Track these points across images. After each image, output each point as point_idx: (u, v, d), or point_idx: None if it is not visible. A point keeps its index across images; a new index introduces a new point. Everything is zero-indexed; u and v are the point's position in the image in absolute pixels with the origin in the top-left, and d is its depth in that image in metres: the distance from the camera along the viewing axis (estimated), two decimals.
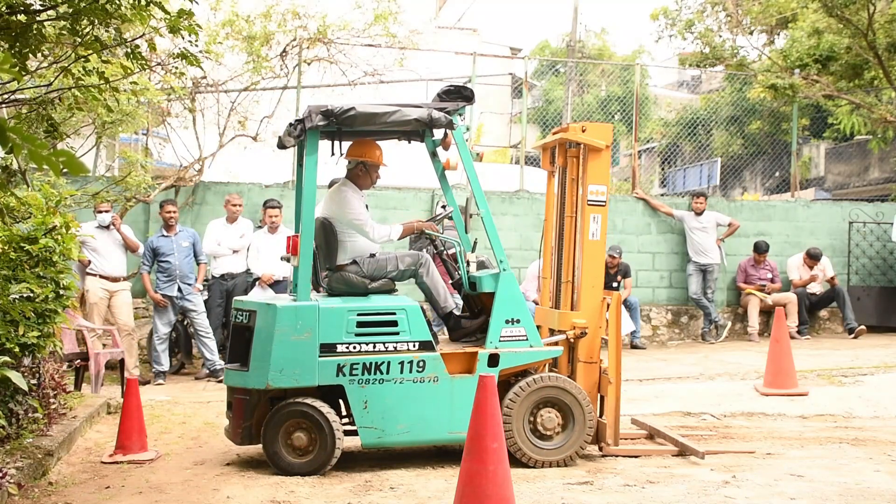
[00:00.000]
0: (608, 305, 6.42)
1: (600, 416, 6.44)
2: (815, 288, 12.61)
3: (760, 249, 12.57)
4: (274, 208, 10.53)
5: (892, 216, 13.12)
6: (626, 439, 6.76)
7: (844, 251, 13.30)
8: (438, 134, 6.55)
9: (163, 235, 10.12)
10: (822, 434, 7.11)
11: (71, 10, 5.19)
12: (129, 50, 5.67)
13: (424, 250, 6.86)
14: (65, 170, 2.62)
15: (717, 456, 6.32)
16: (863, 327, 12.24)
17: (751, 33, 18.26)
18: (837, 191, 20.03)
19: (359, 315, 6.00)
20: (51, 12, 5.28)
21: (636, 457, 6.40)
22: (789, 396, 8.30)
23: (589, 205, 6.42)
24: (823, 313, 13.21)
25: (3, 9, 4.87)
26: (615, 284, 11.67)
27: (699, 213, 12.47)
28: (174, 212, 10.18)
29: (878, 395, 8.36)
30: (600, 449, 6.39)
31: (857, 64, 14.98)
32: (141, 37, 6.46)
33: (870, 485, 5.53)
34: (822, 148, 21.63)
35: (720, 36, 17.84)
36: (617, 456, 6.39)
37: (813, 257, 12.59)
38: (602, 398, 6.45)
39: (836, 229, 13.36)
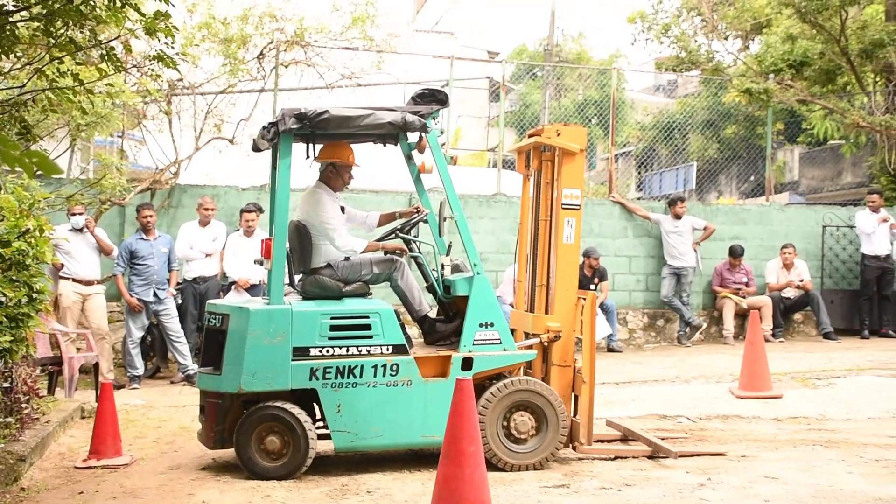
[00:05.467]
0: (583, 306, 6.45)
1: (574, 415, 6.46)
2: (790, 292, 12.71)
3: (735, 253, 12.66)
4: (250, 212, 10.49)
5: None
6: (600, 441, 6.79)
7: (818, 255, 13.41)
8: (413, 137, 6.56)
9: (142, 239, 10.04)
10: (796, 436, 7.17)
11: (45, 11, 5.15)
12: (104, 52, 5.64)
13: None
14: (38, 171, 2.60)
15: (693, 458, 6.36)
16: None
17: (726, 38, 18.40)
18: (811, 195, 20.20)
19: (332, 318, 5.99)
20: (24, 13, 5.24)
21: (612, 459, 6.43)
22: (764, 399, 8.37)
23: (563, 208, 6.44)
24: (798, 316, 13.31)
25: None
26: (592, 287, 11.72)
27: (679, 218, 12.53)
28: (151, 216, 10.11)
29: (851, 397, 8.44)
30: (574, 449, 6.40)
31: (830, 69, 15.15)
32: (116, 38, 6.42)
33: (842, 486, 5.58)
34: (796, 152, 21.83)
35: (696, 41, 17.96)
36: (591, 457, 6.42)
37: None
38: (576, 398, 6.47)
39: (809, 233, 13.47)
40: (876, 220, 12.70)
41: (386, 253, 6.50)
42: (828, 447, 6.74)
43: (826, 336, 12.45)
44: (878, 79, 14.86)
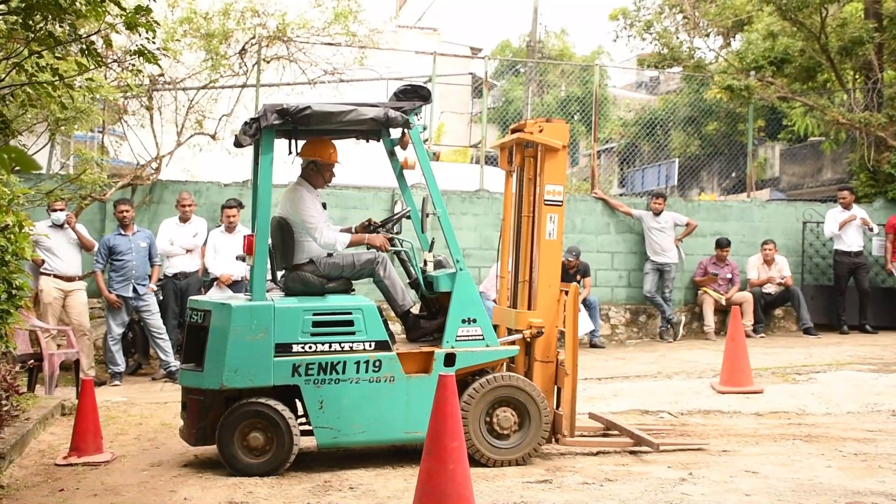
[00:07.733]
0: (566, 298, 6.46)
1: (557, 407, 6.48)
2: (770, 288, 12.78)
3: (722, 245, 12.68)
4: (231, 208, 10.45)
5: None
6: (583, 435, 6.81)
7: (798, 251, 13.50)
8: (396, 133, 6.54)
9: (120, 234, 9.99)
10: (777, 431, 7.22)
11: (24, 5, 5.10)
12: (84, 46, 5.59)
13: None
14: (16, 167, 2.58)
15: (675, 453, 6.39)
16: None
17: (707, 35, 18.46)
18: (792, 191, 20.31)
19: (314, 315, 5.98)
20: (2, 7, 5.20)
21: (595, 454, 6.45)
22: (745, 394, 8.41)
23: (546, 204, 6.45)
24: (778, 312, 13.40)
25: None
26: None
27: (657, 214, 12.58)
28: (127, 211, 10.04)
29: (830, 392, 8.50)
30: (557, 441, 6.42)
31: (811, 66, 15.23)
32: (96, 33, 6.37)
33: (822, 480, 5.63)
34: (776, 149, 21.92)
35: (677, 38, 18.00)
36: (574, 452, 6.45)
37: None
38: (559, 390, 6.49)
39: (790, 229, 13.56)
40: (838, 222, 12.78)
41: (369, 247, 6.49)
42: (808, 442, 6.79)
43: (806, 331, 12.55)
44: (857, 76, 14.96)
